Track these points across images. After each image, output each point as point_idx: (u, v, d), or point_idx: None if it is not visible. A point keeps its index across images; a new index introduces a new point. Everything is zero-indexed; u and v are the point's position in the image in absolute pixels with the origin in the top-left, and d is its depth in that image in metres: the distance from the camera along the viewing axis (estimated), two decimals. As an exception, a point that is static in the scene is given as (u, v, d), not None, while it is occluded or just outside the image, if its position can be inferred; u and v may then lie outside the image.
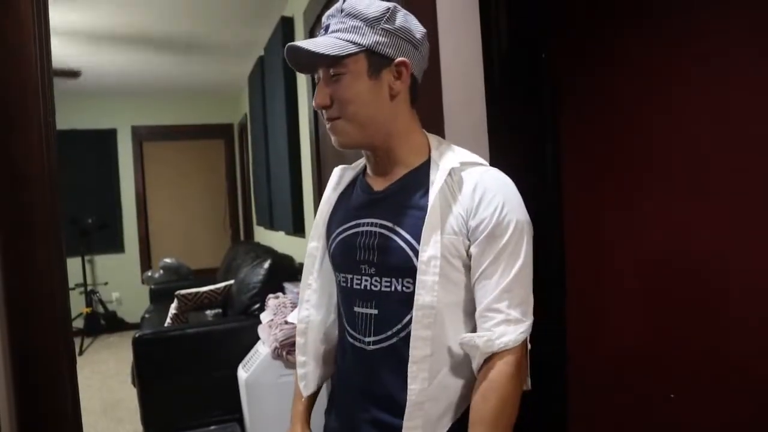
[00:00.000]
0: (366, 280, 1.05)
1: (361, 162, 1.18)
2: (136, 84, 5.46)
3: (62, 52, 3.96)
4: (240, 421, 2.83)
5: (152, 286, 5.19)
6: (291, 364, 2.51)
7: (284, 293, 2.91)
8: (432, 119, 1.56)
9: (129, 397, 3.42)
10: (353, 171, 1.20)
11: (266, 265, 3.25)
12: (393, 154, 1.06)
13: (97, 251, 5.94)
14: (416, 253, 0.98)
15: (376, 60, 0.99)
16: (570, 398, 1.74)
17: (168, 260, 5.59)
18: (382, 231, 1.04)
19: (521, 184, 1.04)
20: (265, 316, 2.77)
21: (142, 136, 6.22)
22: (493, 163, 1.08)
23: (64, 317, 1.35)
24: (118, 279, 6.06)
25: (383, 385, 1.03)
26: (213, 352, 2.93)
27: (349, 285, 1.09)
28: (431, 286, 0.96)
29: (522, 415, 0.99)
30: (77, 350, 4.99)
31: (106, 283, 5.99)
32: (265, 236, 4.95)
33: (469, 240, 0.98)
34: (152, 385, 2.89)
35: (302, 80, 3.13)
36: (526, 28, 1.74)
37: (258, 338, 2.72)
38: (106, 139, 6.07)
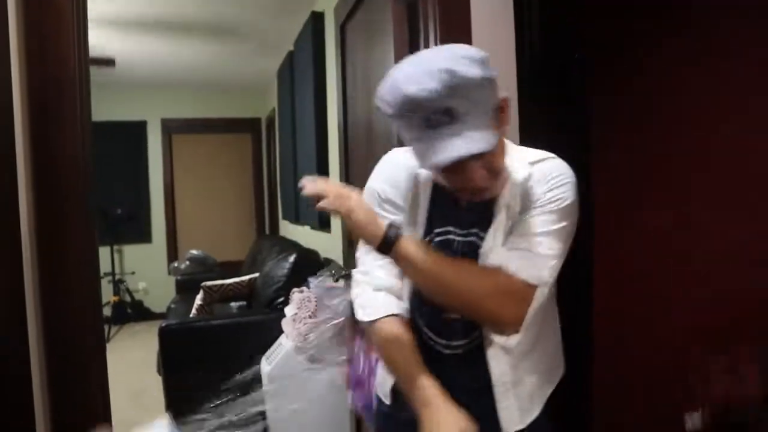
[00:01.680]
0: None
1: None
2: (167, 76, 5.53)
3: (97, 41, 4.04)
4: (262, 413, 2.85)
5: (178, 277, 5.26)
6: (314, 359, 2.52)
7: (308, 287, 2.91)
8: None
9: (154, 385, 3.46)
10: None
11: (291, 259, 3.27)
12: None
13: (125, 241, 6.03)
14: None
15: (495, 110, 0.99)
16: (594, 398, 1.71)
17: (194, 252, 5.65)
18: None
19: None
20: (289, 310, 2.78)
21: (171, 128, 6.30)
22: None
23: (94, 306, 1.37)
24: (146, 269, 6.15)
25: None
26: (237, 343, 2.95)
27: None
28: None
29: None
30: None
31: (133, 273, 6.09)
32: (290, 230, 4.97)
33: None
34: (177, 374, 2.92)
35: (331, 76, 3.13)
36: (560, 26, 1.71)
37: (282, 332, 2.73)
38: (137, 130, 6.15)
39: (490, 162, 1.00)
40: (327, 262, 3.33)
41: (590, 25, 1.70)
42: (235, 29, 4.16)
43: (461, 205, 1.12)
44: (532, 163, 1.08)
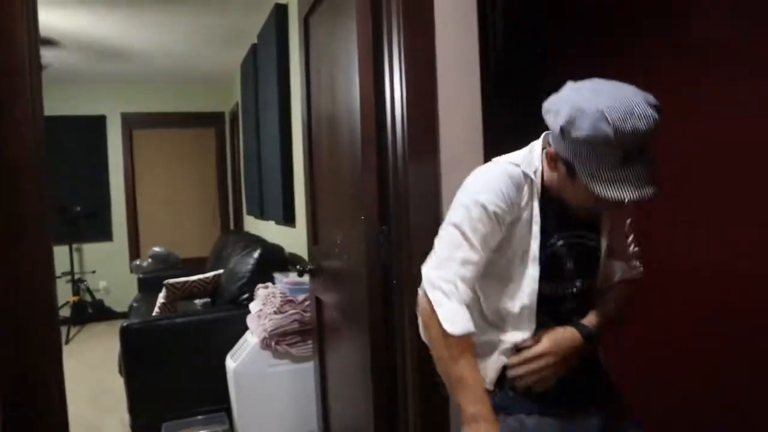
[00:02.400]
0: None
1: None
2: (127, 70, 5.39)
3: (47, 28, 3.90)
4: (228, 410, 2.82)
5: (141, 275, 5.16)
6: (280, 354, 2.51)
7: (274, 283, 2.89)
8: (426, 117, 1.55)
9: (116, 386, 3.39)
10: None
11: (256, 254, 3.23)
12: None
13: (85, 239, 5.88)
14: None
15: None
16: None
17: (157, 249, 5.55)
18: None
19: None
20: (254, 306, 2.76)
21: (132, 123, 6.15)
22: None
23: (50, 306, 1.33)
24: (106, 267, 6.01)
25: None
26: (201, 341, 2.92)
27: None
28: None
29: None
30: (64, 339, 4.95)
31: (93, 272, 5.94)
32: (255, 226, 4.92)
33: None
34: (140, 375, 2.87)
35: (295, 69, 3.10)
36: (523, 25, 1.73)
37: (247, 328, 2.71)
38: (96, 125, 5.99)
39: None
40: (292, 257, 3.31)
41: (552, 24, 1.72)
42: (198, 21, 4.08)
43: (570, 211, 1.20)
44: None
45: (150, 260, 5.45)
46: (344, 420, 2.11)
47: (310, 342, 2.47)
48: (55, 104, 5.12)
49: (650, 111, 0.98)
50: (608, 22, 1.72)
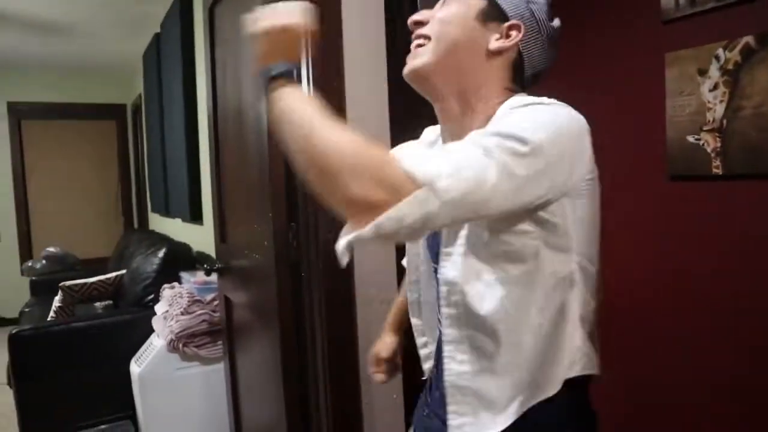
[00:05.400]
0: None
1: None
2: (13, 56, 4.97)
3: None
4: (133, 417, 2.69)
5: (33, 278, 4.79)
6: (188, 357, 2.42)
7: (180, 283, 2.78)
8: (333, 107, 1.54)
9: (4, 401, 3.13)
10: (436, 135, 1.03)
11: (161, 253, 3.10)
12: (465, 126, 0.88)
13: (-34, 240, 5.39)
14: None
15: (492, 9, 0.89)
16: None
17: (52, 249, 5.17)
18: None
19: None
20: (160, 307, 2.65)
21: (20, 113, 5.67)
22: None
23: None
24: (-7, 270, 5.54)
25: None
26: (102, 346, 2.76)
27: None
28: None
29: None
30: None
31: (-23, 275, 5.46)
32: (160, 224, 4.71)
33: None
34: (32, 386, 2.66)
35: (201, 60, 2.99)
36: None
37: (152, 331, 2.59)
38: (-25, 115, 5.49)
39: (440, 10, 0.91)
40: (200, 256, 3.20)
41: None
42: (94, 12, 3.82)
43: None
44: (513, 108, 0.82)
45: (44, 261, 5.07)
46: (256, 421, 2.08)
47: (219, 343, 2.40)
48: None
49: None
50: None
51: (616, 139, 1.60)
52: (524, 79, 0.92)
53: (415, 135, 1.13)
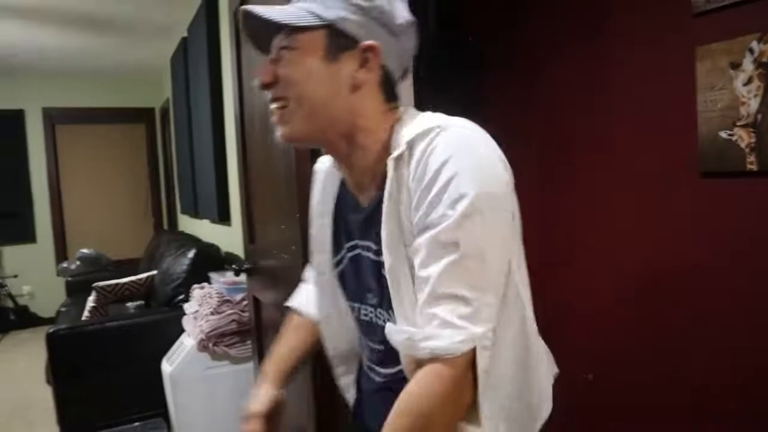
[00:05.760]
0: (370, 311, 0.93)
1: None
2: (47, 62, 5.10)
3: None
4: (165, 415, 2.74)
5: (68, 279, 4.92)
6: (218, 356, 2.46)
7: (210, 283, 2.83)
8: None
9: (43, 397, 3.22)
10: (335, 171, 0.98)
11: (191, 254, 3.15)
12: (361, 163, 0.86)
13: (5, 241, 5.55)
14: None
15: (337, 40, 0.81)
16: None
17: (86, 251, 5.30)
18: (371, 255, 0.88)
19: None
20: (190, 307, 2.69)
21: (54, 118, 5.83)
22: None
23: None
24: (30, 271, 5.69)
25: None
26: (135, 345, 2.82)
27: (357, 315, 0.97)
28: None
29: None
30: (-16, 348, 4.68)
31: (16, 276, 5.61)
32: (189, 225, 4.79)
33: None
34: (69, 383, 2.74)
35: (227, 63, 3.03)
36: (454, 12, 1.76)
37: (183, 330, 2.64)
38: (13, 120, 5.64)
39: (284, 66, 0.82)
40: (228, 257, 3.24)
41: (481, 14, 1.76)
42: (124, 16, 3.90)
43: (361, 204, 0.90)
44: (411, 141, 0.78)
45: (78, 262, 5.20)
46: (285, 419, 2.09)
47: (248, 342, 2.43)
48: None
49: None
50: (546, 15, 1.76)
51: (645, 136, 1.57)
52: (395, 88, 0.87)
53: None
